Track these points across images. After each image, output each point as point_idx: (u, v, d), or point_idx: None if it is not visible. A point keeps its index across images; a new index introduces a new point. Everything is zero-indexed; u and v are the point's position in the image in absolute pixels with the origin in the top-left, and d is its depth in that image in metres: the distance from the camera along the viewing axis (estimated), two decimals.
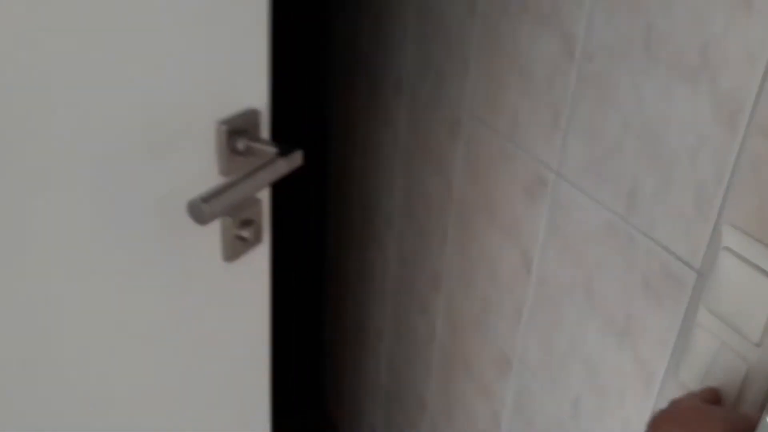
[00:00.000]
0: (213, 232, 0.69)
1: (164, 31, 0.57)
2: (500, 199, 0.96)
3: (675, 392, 0.68)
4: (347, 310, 1.69)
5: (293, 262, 1.71)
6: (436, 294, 1.21)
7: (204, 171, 0.65)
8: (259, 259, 0.76)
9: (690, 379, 0.66)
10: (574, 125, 0.80)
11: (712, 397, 0.60)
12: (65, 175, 0.55)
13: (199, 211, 0.58)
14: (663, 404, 0.61)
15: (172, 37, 0.58)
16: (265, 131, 0.69)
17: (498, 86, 0.94)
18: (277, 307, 0.86)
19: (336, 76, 1.56)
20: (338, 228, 1.68)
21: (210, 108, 0.62)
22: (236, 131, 0.65)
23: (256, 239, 0.73)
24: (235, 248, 0.71)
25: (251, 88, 0.66)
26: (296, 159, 0.66)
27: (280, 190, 0.75)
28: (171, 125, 0.60)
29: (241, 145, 0.66)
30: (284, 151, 0.65)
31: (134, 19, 0.54)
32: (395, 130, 1.31)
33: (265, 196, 0.72)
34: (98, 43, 0.53)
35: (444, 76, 1.09)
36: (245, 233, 0.71)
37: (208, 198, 0.58)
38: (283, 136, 0.70)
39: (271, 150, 0.66)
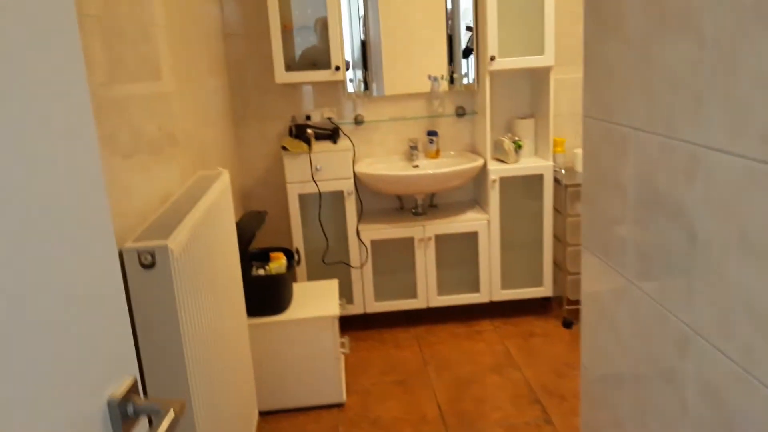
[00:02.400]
0: None
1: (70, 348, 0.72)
2: (742, 424, 0.95)
3: None
4: None
5: None
6: None
7: None
8: None
9: None
10: None
11: None
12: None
13: None
14: None
15: (76, 348, 0.73)
16: (141, 392, 0.84)
17: (727, 315, 0.96)
18: None
19: None
20: None
21: (101, 390, 0.78)
22: (124, 400, 0.80)
23: None
24: None
25: (126, 364, 0.84)
26: (179, 409, 0.82)
27: None
28: (75, 409, 0.72)
29: (129, 409, 0.81)
30: (170, 404, 0.81)
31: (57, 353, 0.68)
32: (617, 330, 1.34)
33: None
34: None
35: (665, 290, 1.14)
36: None
37: None
38: None
39: (155, 407, 0.81)
